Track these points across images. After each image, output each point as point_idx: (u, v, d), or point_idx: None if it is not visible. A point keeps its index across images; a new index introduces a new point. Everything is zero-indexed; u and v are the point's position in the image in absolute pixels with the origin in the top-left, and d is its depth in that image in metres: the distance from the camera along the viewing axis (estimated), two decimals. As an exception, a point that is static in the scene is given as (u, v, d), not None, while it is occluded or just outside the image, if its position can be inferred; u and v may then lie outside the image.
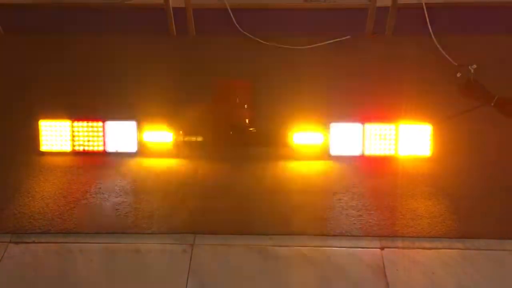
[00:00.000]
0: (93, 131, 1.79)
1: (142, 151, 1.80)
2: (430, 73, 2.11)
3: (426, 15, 2.19)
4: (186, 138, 1.79)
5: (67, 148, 1.80)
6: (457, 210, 1.58)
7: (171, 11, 2.35)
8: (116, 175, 1.73)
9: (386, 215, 1.57)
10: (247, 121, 1.83)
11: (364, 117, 1.77)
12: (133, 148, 1.79)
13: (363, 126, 1.75)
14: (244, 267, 1.45)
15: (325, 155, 1.77)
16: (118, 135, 1.79)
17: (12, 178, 1.72)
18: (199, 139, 1.79)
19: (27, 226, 1.55)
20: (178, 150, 1.81)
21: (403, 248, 1.49)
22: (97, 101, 2.01)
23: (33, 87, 2.11)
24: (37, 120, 1.80)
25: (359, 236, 1.51)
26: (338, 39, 2.31)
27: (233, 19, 2.33)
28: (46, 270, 1.45)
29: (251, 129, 1.83)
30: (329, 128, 1.76)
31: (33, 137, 1.81)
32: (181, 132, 1.80)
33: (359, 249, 1.49)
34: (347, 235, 1.52)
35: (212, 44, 2.35)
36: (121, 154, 1.80)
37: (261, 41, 2.30)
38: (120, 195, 1.66)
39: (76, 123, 1.79)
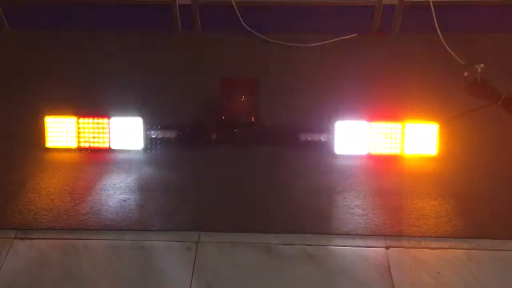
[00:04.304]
0: (98, 128, 1.79)
1: (147, 147, 1.80)
2: (436, 72, 2.10)
3: (433, 13, 2.18)
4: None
5: (73, 144, 1.80)
6: (463, 210, 1.57)
7: (177, 8, 2.34)
8: (121, 172, 1.74)
9: (392, 214, 1.56)
10: (252, 118, 1.83)
11: (370, 116, 1.76)
12: (138, 145, 1.79)
13: (369, 125, 1.75)
14: (249, 265, 1.45)
15: (330, 153, 1.76)
16: (124, 132, 1.79)
17: (17, 174, 1.73)
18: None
19: (33, 222, 1.56)
20: (184, 148, 1.81)
21: (409, 247, 1.48)
22: (103, 97, 2.01)
23: (39, 83, 2.11)
24: (43, 117, 1.81)
25: (364, 235, 1.51)
26: (345, 37, 2.29)
27: (239, 16, 2.32)
28: (51, 266, 1.46)
29: (256, 126, 1.83)
30: (334, 126, 1.75)
31: (39, 133, 1.81)
32: (186, 129, 1.80)
33: (364, 248, 1.48)
34: (352, 234, 1.51)
35: (218, 41, 2.34)
36: (127, 151, 1.80)
37: (267, 39, 2.29)
38: (125, 192, 1.66)
39: (81, 120, 1.79)
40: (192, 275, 1.42)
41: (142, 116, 1.79)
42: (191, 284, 1.40)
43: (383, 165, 1.74)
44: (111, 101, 1.97)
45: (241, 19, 2.33)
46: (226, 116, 1.83)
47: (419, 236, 1.50)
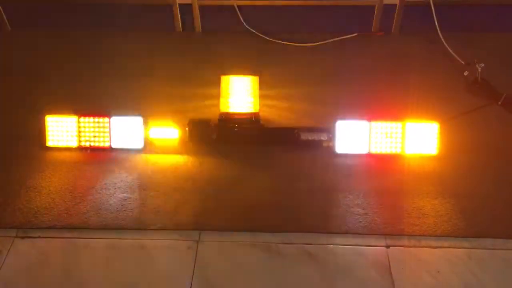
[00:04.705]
0: (99, 127, 1.79)
1: (148, 147, 1.81)
2: (437, 72, 2.10)
3: (434, 13, 2.18)
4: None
5: (73, 143, 1.81)
6: (464, 209, 1.57)
7: (178, 8, 2.35)
8: (122, 171, 1.74)
9: (392, 213, 1.57)
10: (252, 118, 1.83)
11: (371, 115, 1.76)
12: (139, 144, 1.79)
13: (370, 124, 1.75)
14: (249, 264, 1.45)
15: (331, 152, 1.77)
16: (124, 131, 1.79)
17: (18, 173, 1.73)
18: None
19: (33, 221, 1.56)
20: (184, 146, 1.81)
21: (409, 246, 1.48)
22: (103, 97, 2.01)
23: (39, 82, 2.12)
24: (44, 116, 1.81)
25: (365, 234, 1.51)
26: (345, 37, 2.30)
27: (240, 16, 2.32)
28: (52, 265, 1.46)
29: (257, 126, 1.83)
30: (335, 125, 1.75)
31: (40, 132, 1.81)
32: (187, 128, 1.80)
33: (365, 247, 1.48)
34: (353, 233, 1.51)
35: (218, 41, 2.34)
36: (127, 150, 1.80)
37: (267, 38, 2.30)
38: (126, 191, 1.66)
39: (82, 119, 1.80)
40: (193, 274, 1.42)
41: (142, 116, 1.79)
42: (191, 283, 1.40)
43: (383, 164, 1.74)
44: (112, 100, 1.97)
45: (241, 18, 2.33)
46: (226, 116, 1.83)
47: (420, 235, 1.50)
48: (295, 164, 1.76)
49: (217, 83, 1.87)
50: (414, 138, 1.75)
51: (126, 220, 1.56)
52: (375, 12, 2.30)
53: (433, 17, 2.19)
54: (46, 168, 1.75)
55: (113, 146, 1.80)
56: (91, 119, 1.79)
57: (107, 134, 1.79)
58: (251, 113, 1.83)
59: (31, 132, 1.84)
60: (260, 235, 1.52)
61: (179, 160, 1.79)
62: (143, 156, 1.80)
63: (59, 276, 1.43)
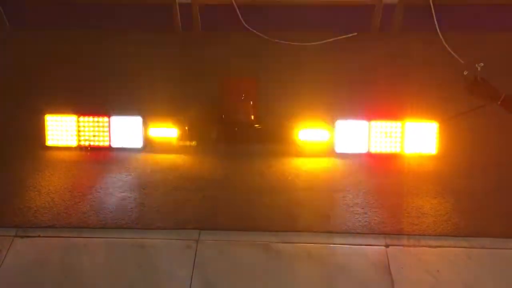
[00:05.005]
0: (98, 126, 1.80)
1: (147, 146, 1.81)
2: (436, 71, 2.10)
3: (433, 13, 2.18)
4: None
5: (73, 143, 1.81)
6: (463, 208, 1.57)
7: (177, 7, 2.34)
8: (122, 171, 1.74)
9: (391, 212, 1.57)
10: (252, 117, 1.83)
11: (370, 115, 1.77)
12: (138, 144, 1.80)
13: (369, 124, 1.75)
14: (248, 263, 1.45)
15: (331, 152, 1.77)
16: (124, 131, 1.80)
17: (17, 173, 1.73)
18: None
19: (33, 221, 1.56)
20: (184, 146, 1.81)
21: (408, 246, 1.48)
22: (103, 96, 2.01)
23: (39, 82, 2.12)
24: (43, 115, 1.81)
25: (364, 233, 1.51)
26: (345, 36, 2.30)
27: (239, 15, 2.32)
28: (51, 264, 1.46)
29: (256, 125, 1.83)
30: (334, 125, 1.76)
31: (39, 132, 1.81)
32: (186, 128, 1.80)
33: (364, 246, 1.48)
34: (352, 233, 1.51)
35: (218, 40, 2.34)
36: (127, 149, 1.80)
37: (267, 38, 2.30)
38: (125, 191, 1.66)
39: (82, 118, 1.80)
40: (192, 273, 1.42)
41: (142, 116, 1.79)
42: (191, 282, 1.40)
43: (383, 163, 1.74)
44: (112, 100, 1.97)
45: (241, 18, 2.33)
46: (226, 116, 1.83)
47: (419, 235, 1.50)
48: (294, 164, 1.76)
49: (217, 83, 1.87)
50: (413, 138, 1.75)
51: (125, 219, 1.56)
52: (375, 12, 2.30)
53: (433, 17, 2.19)
54: (46, 168, 1.75)
55: (113, 145, 1.80)
56: (90, 118, 1.80)
57: (107, 134, 1.80)
58: (250, 113, 1.83)
59: (31, 131, 1.84)
60: (260, 235, 1.52)
61: (179, 159, 1.79)
62: (143, 155, 1.80)
63: (58, 275, 1.43)
